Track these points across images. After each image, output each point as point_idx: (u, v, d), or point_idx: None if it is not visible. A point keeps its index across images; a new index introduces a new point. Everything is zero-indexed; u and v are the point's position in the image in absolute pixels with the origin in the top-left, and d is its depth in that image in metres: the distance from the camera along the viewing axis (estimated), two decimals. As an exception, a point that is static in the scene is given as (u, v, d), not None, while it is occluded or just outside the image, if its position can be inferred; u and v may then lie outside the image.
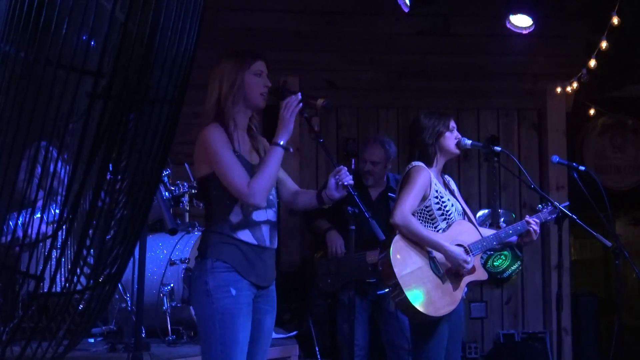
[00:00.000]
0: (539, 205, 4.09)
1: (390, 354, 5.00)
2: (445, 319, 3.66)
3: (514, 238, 3.94)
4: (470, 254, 3.73)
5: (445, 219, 3.75)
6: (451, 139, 3.82)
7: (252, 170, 3.04)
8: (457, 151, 3.86)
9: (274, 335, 4.01)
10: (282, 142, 3.04)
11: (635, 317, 7.49)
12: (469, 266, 3.69)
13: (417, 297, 3.57)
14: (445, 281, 3.67)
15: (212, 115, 3.07)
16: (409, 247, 3.64)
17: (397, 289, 3.57)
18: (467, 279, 3.74)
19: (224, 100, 3.06)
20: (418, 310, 3.55)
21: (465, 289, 3.79)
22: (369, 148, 5.11)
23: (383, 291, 3.70)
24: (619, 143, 7.23)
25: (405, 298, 3.55)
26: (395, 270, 3.57)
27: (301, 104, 3.06)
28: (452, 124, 3.85)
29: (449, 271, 3.70)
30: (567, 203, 4.09)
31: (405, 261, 3.61)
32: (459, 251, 3.67)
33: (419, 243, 3.65)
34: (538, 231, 3.91)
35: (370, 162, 5.05)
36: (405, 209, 3.62)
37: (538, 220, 3.92)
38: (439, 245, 3.65)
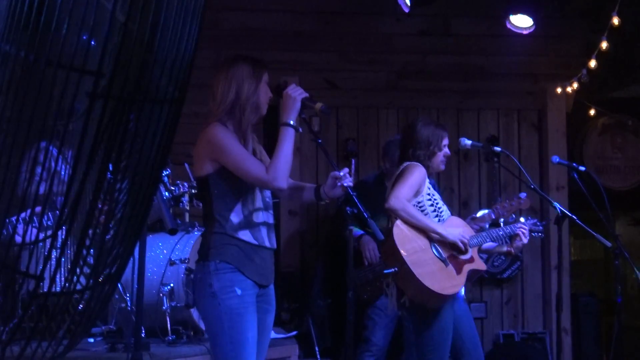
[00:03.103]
0: (522, 217, 4.15)
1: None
2: (449, 308, 3.67)
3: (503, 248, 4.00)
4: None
5: (437, 215, 3.80)
6: (440, 157, 3.87)
7: None
8: (442, 169, 3.93)
9: (274, 335, 4.02)
10: (291, 122, 3.04)
11: (635, 317, 7.50)
12: (468, 242, 3.75)
13: (425, 276, 3.58)
14: (447, 265, 3.71)
15: (219, 115, 3.04)
16: (410, 230, 3.68)
17: (404, 267, 3.58)
18: (467, 267, 3.76)
19: (244, 105, 3.04)
20: (426, 287, 3.56)
21: (464, 289, 3.82)
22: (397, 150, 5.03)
23: (389, 270, 3.68)
24: (619, 143, 7.22)
25: (414, 276, 3.56)
26: (401, 250, 3.60)
27: (306, 94, 3.07)
28: (445, 141, 3.88)
29: (451, 257, 3.73)
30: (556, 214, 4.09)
31: (409, 243, 3.65)
32: (455, 232, 3.72)
33: (417, 228, 3.68)
34: (527, 235, 3.97)
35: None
36: (401, 195, 3.66)
37: (526, 226, 3.97)
38: (435, 228, 3.68)
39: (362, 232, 4.98)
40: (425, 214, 3.76)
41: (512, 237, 3.97)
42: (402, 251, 3.59)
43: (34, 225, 2.02)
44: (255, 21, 6.16)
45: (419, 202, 3.75)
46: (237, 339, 2.95)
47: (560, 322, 4.18)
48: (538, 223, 4.10)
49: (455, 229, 3.78)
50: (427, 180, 3.80)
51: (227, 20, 6.10)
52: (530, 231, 4.03)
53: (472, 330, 3.86)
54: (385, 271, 3.74)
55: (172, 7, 1.98)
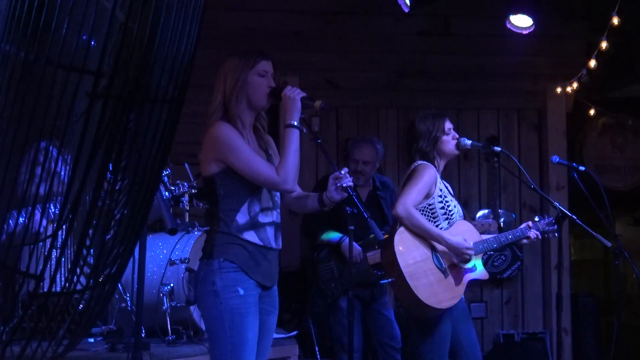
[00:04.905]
0: (537, 217, 4.11)
1: (381, 353, 5.00)
2: (447, 315, 3.66)
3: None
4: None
5: (447, 218, 3.75)
6: (448, 141, 3.82)
7: None
8: (456, 152, 3.87)
9: (274, 335, 4.02)
10: (295, 123, 3.04)
11: (635, 317, 7.49)
12: (472, 253, 3.71)
13: (421, 289, 3.56)
14: (447, 275, 3.67)
15: (218, 114, 3.03)
16: (412, 239, 3.64)
17: (401, 279, 3.56)
18: (468, 276, 3.74)
19: (228, 99, 3.02)
20: (421, 301, 3.54)
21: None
22: (359, 148, 5.12)
23: (386, 281, 3.67)
24: (619, 143, 7.22)
25: (409, 289, 3.54)
26: (399, 260, 3.57)
27: (304, 93, 3.06)
28: (448, 125, 3.84)
29: (452, 266, 3.70)
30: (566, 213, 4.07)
31: (408, 253, 3.62)
32: (460, 240, 3.68)
33: (421, 236, 3.66)
34: (539, 237, 3.96)
35: (362, 162, 5.07)
36: (408, 202, 3.63)
37: (537, 231, 3.95)
38: (440, 237, 3.65)
39: (339, 236, 4.96)
40: (435, 217, 3.73)
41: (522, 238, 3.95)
42: (400, 261, 3.56)
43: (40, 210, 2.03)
44: (255, 21, 6.16)
45: (429, 205, 3.72)
46: (237, 339, 2.93)
47: (560, 322, 4.17)
48: (554, 221, 4.06)
49: (460, 236, 3.74)
50: (439, 180, 3.77)
51: (227, 20, 6.10)
52: (544, 232, 4.00)
53: (470, 331, 3.84)
54: (382, 282, 3.73)
55: (172, 7, 1.98)
